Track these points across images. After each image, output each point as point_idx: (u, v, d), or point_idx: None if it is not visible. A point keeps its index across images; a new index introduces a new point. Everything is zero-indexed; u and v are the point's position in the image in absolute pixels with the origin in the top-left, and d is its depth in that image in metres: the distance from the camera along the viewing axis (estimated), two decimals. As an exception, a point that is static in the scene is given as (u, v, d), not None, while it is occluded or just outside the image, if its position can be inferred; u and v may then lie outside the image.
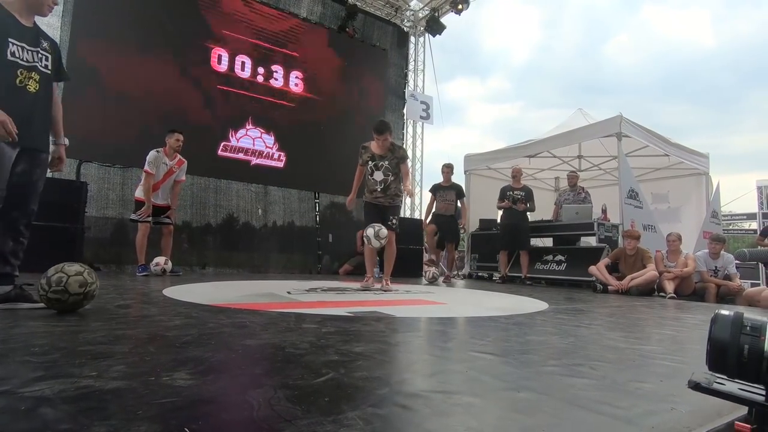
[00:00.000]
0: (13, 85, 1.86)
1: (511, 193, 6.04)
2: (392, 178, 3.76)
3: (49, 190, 2.17)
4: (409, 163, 4.04)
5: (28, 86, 1.90)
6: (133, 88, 5.55)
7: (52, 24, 4.99)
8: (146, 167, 4.31)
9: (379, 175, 3.75)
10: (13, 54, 1.85)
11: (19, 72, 1.88)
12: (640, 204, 5.98)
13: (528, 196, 6.00)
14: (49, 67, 2.01)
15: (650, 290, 4.78)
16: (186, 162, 4.67)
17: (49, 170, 2.14)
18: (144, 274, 4.25)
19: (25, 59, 1.90)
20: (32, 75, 1.92)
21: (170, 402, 0.80)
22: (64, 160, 2.16)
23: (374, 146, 3.75)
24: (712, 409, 0.89)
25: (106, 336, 1.36)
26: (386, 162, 3.75)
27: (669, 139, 6.79)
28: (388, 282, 3.80)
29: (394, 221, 3.80)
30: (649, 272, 4.70)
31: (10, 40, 1.85)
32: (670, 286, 4.61)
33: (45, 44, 2.00)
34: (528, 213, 6.07)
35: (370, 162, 3.76)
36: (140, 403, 0.78)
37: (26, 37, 1.91)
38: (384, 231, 3.52)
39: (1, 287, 1.88)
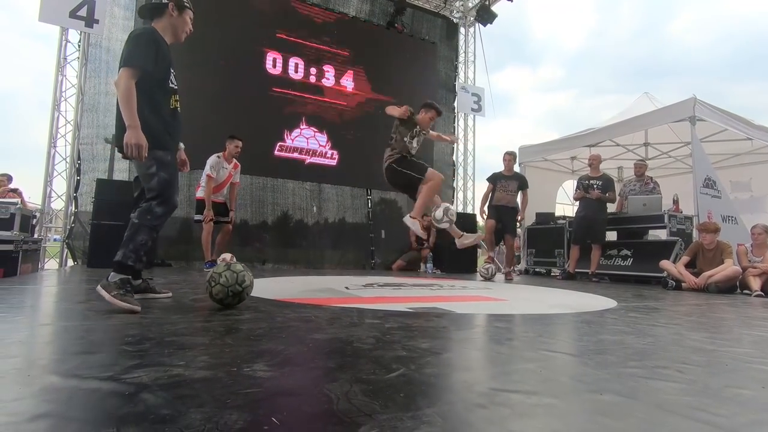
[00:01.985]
0: (169, 106, 2.05)
1: (586, 182, 5.63)
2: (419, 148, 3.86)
3: (125, 192, 2.33)
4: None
5: (177, 108, 2.11)
6: (195, 94, 5.87)
7: (124, 39, 5.40)
8: (208, 171, 4.57)
9: (416, 143, 3.73)
10: (171, 81, 2.06)
11: (172, 96, 2.07)
12: (718, 193, 5.48)
13: (606, 185, 5.50)
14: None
15: (732, 288, 4.37)
16: (240, 165, 4.91)
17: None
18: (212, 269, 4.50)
19: (174, 83, 2.09)
20: (177, 97, 2.11)
21: (254, 392, 0.83)
22: (187, 161, 2.37)
23: (421, 120, 3.70)
24: (832, 421, 0.79)
25: (188, 328, 1.45)
26: (423, 136, 3.81)
27: (752, 122, 6.16)
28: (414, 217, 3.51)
29: None
30: (729, 268, 4.30)
31: (171, 69, 2.05)
32: (756, 283, 4.19)
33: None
34: (608, 204, 5.62)
35: (416, 128, 3.68)
36: (227, 392, 0.83)
37: (173, 63, 2.09)
38: (452, 209, 3.51)
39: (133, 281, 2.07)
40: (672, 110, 5.82)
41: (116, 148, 2.02)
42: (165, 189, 1.97)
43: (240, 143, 4.80)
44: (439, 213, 3.44)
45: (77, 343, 1.23)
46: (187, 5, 2.14)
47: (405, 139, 3.60)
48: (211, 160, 4.61)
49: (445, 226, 3.46)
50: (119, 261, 1.86)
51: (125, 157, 1.93)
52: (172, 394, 0.80)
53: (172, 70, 2.07)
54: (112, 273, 1.84)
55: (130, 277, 1.88)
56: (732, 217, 5.53)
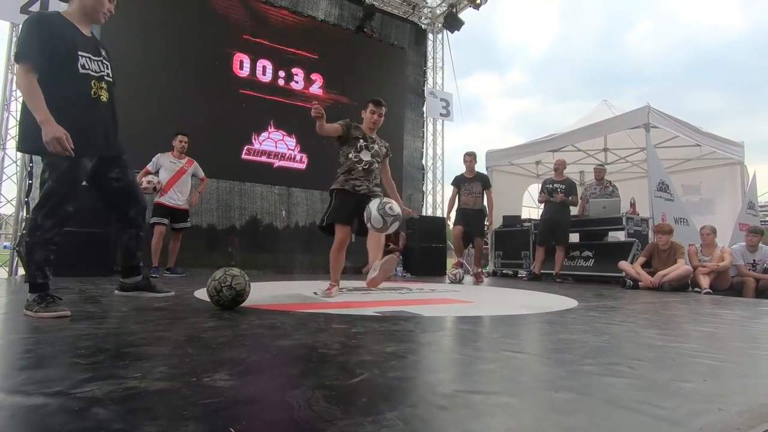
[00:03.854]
0: (89, 96, 1.90)
1: (550, 186, 5.81)
2: (377, 167, 3.13)
3: (83, 197, 2.24)
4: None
5: (101, 96, 1.95)
6: (157, 96, 5.70)
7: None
8: (148, 165, 4.59)
9: (366, 155, 3.08)
10: (83, 66, 1.89)
11: (92, 83, 1.92)
12: (671, 197, 5.79)
13: (569, 189, 5.72)
14: (111, 75, 2.05)
15: (684, 286, 4.62)
16: (195, 161, 4.83)
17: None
18: (155, 276, 4.38)
19: (93, 70, 1.93)
20: (102, 85, 1.96)
21: (213, 402, 0.82)
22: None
23: (365, 125, 3.19)
24: (762, 409, 0.86)
25: (146, 338, 1.40)
26: (376, 146, 3.14)
27: (700, 129, 6.55)
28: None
29: None
30: (681, 267, 4.55)
31: (79, 52, 1.88)
32: (705, 281, 4.45)
33: (103, 52, 2.03)
34: (571, 207, 5.83)
35: (361, 140, 3.09)
36: (185, 403, 0.81)
37: (89, 48, 1.95)
38: (396, 207, 2.70)
39: (132, 278, 2.09)
40: (628, 117, 6.11)
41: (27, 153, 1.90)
42: (49, 198, 1.83)
43: (185, 138, 4.74)
44: (372, 205, 2.69)
45: (24, 358, 1.17)
46: None
47: (350, 156, 3.08)
48: (155, 157, 4.62)
49: (377, 225, 2.67)
50: (30, 282, 1.84)
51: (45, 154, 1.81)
52: (125, 408, 0.77)
53: (86, 54, 1.91)
54: (29, 294, 1.83)
55: (46, 291, 1.84)
56: (684, 219, 5.85)
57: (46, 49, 1.79)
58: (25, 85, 1.75)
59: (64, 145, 1.74)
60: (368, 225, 2.73)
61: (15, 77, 1.78)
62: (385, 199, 2.76)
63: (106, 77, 2.00)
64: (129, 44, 5.53)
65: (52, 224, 1.83)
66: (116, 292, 2.10)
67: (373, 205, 2.70)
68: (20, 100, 5.12)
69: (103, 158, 2.01)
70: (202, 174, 4.90)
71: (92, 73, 1.92)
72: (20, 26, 1.87)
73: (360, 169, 3.07)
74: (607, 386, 1.00)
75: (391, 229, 2.74)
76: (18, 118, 5.04)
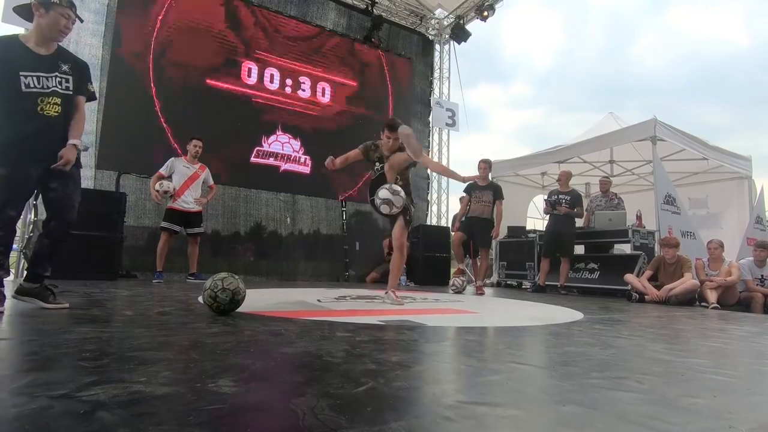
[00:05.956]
0: (33, 112, 2.00)
1: (556, 197, 5.76)
2: (401, 183, 3.29)
3: (91, 201, 2.26)
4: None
5: (46, 111, 2.03)
6: (168, 104, 5.77)
7: (93, 44, 5.28)
8: (160, 169, 4.58)
9: (380, 167, 3.36)
10: (28, 85, 1.99)
11: (39, 100, 2.01)
12: (677, 210, 5.75)
13: (574, 200, 5.65)
14: (70, 88, 2.12)
15: (690, 300, 4.57)
16: (207, 168, 4.84)
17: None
18: (159, 281, 4.38)
19: (44, 86, 2.02)
20: (51, 100, 2.04)
21: (218, 409, 0.81)
22: (66, 158, 2.10)
23: (383, 145, 3.32)
24: (775, 427, 0.84)
25: (150, 342, 1.40)
26: (386, 156, 3.34)
27: (707, 142, 6.52)
28: (395, 292, 3.18)
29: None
30: (688, 281, 4.50)
31: (21, 73, 1.99)
32: (712, 296, 4.40)
33: (65, 67, 2.11)
34: (576, 219, 5.76)
35: (378, 164, 3.35)
36: (189, 409, 0.80)
37: (43, 66, 2.05)
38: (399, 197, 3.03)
39: (28, 283, 2.10)
40: (635, 130, 6.10)
41: None
42: None
43: (199, 142, 4.74)
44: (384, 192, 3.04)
45: (29, 360, 1.17)
46: (56, 1, 2.04)
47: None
48: (168, 161, 4.61)
49: (384, 209, 3.06)
50: None
51: None
52: (130, 412, 0.77)
53: (32, 73, 2.00)
54: None
55: None
56: (690, 232, 5.80)
57: None
58: None
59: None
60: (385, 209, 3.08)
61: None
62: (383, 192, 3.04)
63: (60, 91, 2.07)
64: (140, 52, 5.63)
65: None
66: (13, 295, 2.09)
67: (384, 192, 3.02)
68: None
69: (48, 168, 2.05)
70: (211, 181, 4.90)
71: (41, 90, 2.01)
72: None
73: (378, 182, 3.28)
74: (616, 400, 0.99)
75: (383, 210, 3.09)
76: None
